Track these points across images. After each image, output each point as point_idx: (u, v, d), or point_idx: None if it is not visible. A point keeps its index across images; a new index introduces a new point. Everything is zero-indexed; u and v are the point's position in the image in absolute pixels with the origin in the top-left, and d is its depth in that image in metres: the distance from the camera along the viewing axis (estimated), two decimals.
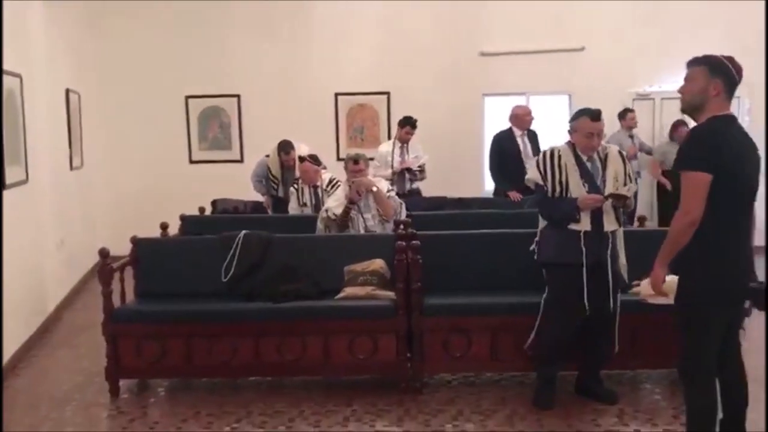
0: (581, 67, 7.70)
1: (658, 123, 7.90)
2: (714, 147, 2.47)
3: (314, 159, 5.62)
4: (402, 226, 4.52)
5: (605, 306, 3.54)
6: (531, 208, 4.77)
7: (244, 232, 4.31)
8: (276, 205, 6.17)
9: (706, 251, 2.51)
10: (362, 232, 4.66)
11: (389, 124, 7.83)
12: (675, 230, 2.54)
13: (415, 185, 6.30)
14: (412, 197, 5.94)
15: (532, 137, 6.39)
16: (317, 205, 5.40)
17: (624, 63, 7.70)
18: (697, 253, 2.52)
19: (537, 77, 7.73)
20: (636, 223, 4.72)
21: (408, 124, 6.29)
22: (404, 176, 6.23)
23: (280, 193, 6.17)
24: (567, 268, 3.54)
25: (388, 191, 4.83)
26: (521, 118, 6.37)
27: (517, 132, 6.35)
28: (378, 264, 4.14)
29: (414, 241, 3.98)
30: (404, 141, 6.33)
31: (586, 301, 3.51)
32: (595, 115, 3.57)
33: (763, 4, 6.66)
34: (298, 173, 5.73)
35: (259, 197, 6.39)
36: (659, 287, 2.61)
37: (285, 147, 6.12)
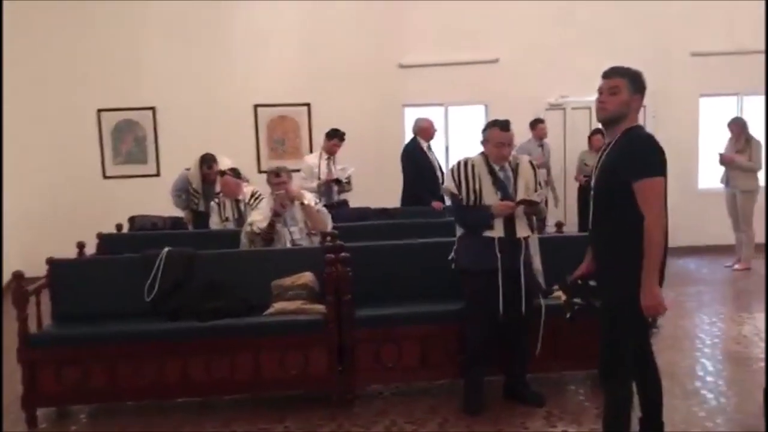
0: (496, 78, 7.95)
1: (571, 131, 8.23)
2: (662, 152, 2.61)
3: (235, 172, 5.58)
4: (329, 238, 4.54)
5: (518, 310, 3.64)
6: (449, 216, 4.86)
7: (166, 249, 4.25)
8: (197, 221, 6.10)
9: (641, 253, 2.57)
10: (288, 245, 4.64)
11: (311, 136, 7.89)
12: (655, 240, 2.53)
13: (342, 196, 6.36)
14: (339, 208, 5.99)
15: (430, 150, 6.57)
16: (240, 220, 5.37)
17: (536, 74, 8.00)
18: (632, 254, 2.59)
19: (454, 88, 7.93)
20: (553, 229, 4.90)
21: (336, 136, 6.34)
22: (331, 188, 6.28)
23: (201, 208, 6.10)
24: (483, 275, 3.63)
25: (316, 204, 4.85)
26: (427, 130, 6.53)
27: (423, 144, 6.52)
28: (307, 277, 4.14)
29: (343, 254, 4.00)
30: (331, 153, 6.39)
31: (501, 306, 3.60)
32: (504, 126, 3.70)
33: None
34: (219, 187, 5.68)
35: (179, 212, 6.33)
36: (661, 307, 2.56)
37: (208, 160, 6.06)
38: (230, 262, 4.30)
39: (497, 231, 3.65)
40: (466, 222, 3.72)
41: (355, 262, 4.00)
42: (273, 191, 4.76)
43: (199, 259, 4.27)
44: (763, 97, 7.49)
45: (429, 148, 6.57)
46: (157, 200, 6.73)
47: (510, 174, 3.73)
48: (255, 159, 7.89)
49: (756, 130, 7.37)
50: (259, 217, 4.76)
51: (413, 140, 6.56)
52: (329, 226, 4.85)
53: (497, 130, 3.69)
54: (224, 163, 6.02)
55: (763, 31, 7.01)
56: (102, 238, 5.19)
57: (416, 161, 6.44)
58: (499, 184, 3.68)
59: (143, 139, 7.80)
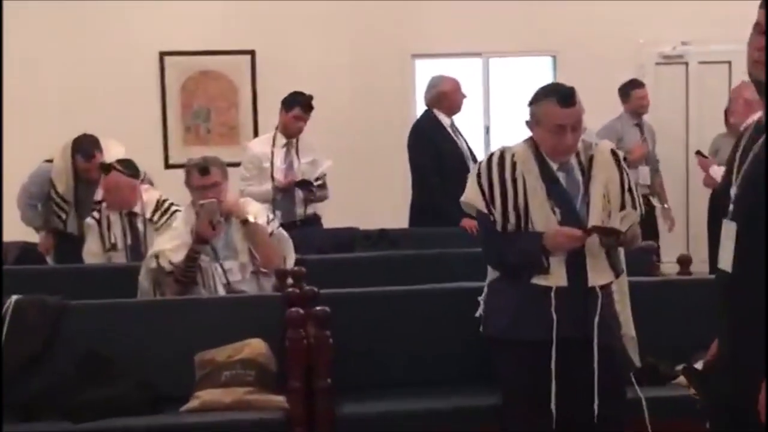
0: (569, 14, 7.96)
1: (696, 101, 8.23)
2: None
3: (129, 167, 5.60)
4: (291, 281, 4.58)
5: (590, 411, 3.54)
6: None
7: (14, 298, 4.19)
8: (63, 248, 6.20)
9: None
10: (221, 291, 4.68)
11: (255, 106, 7.96)
12: None
13: (310, 209, 6.44)
14: (305, 229, 6.16)
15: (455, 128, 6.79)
16: (136, 247, 5.47)
17: (637, 7, 7.99)
18: None
19: (499, 28, 7.95)
20: (674, 268, 4.89)
21: (297, 104, 6.40)
22: (294, 194, 6.34)
23: (70, 227, 6.15)
24: (529, 349, 3.59)
25: (269, 221, 4.93)
26: (450, 96, 6.57)
27: (445, 120, 6.60)
28: (254, 348, 4.07)
29: (318, 308, 3.96)
30: (292, 134, 6.47)
31: (553, 403, 3.54)
32: (565, 97, 3.60)
33: None
34: (102, 192, 5.72)
35: (32, 233, 6.46)
36: None
37: (85, 147, 6.05)
38: (122, 321, 4.27)
39: (555, 276, 3.59)
40: (501, 259, 3.69)
41: (335, 321, 3.97)
42: (195, 200, 4.78)
43: (70, 315, 4.22)
44: None
45: (454, 127, 6.64)
46: None
47: (578, 176, 3.71)
48: (161, 145, 7.99)
49: None
50: (170, 244, 4.77)
51: (428, 114, 6.64)
52: (291, 259, 4.91)
53: (554, 103, 3.61)
54: (112, 151, 6.02)
55: None
56: None
57: (433, 148, 6.44)
58: (557, 194, 3.65)
59: None
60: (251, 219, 4.74)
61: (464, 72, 7.19)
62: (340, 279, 4.64)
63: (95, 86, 7.91)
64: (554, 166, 3.65)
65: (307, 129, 6.49)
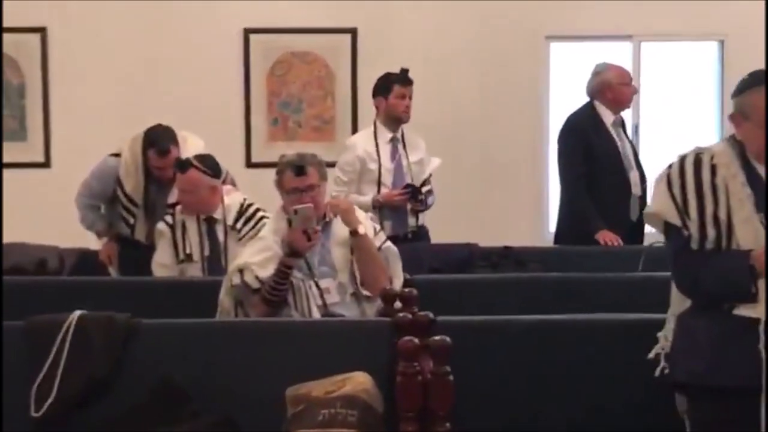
0: None
1: None
2: None
3: (209, 164, 5.65)
4: (401, 304, 4.57)
5: None
6: (648, 269, 5.14)
7: (77, 313, 4.23)
8: (128, 257, 6.28)
9: None
10: (315, 314, 4.72)
11: (355, 96, 7.98)
12: None
13: (419, 220, 6.51)
14: (414, 244, 6.26)
15: (622, 127, 6.84)
16: (215, 259, 5.57)
17: None
18: None
19: (655, 6, 7.96)
20: None
21: (393, 82, 6.48)
22: (405, 202, 6.42)
23: (138, 233, 6.21)
24: (730, 397, 3.52)
25: (376, 233, 5.02)
26: (618, 89, 6.56)
27: (607, 116, 6.59)
28: (358, 383, 4.01)
29: (437, 337, 3.89)
30: (401, 117, 6.54)
31: None
32: None
33: None
34: (176, 194, 5.79)
35: (91, 239, 6.54)
36: None
37: (159, 140, 6.07)
38: (201, 345, 4.30)
39: (765, 306, 3.49)
40: (696, 284, 3.59)
41: (456, 354, 3.90)
42: (287, 205, 4.84)
43: (140, 337, 4.26)
44: None
45: (619, 126, 6.72)
46: (46, 214, 7.02)
47: None
48: (242, 140, 8.06)
49: None
50: (257, 257, 4.82)
51: (587, 107, 6.72)
52: (398, 280, 4.98)
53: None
54: (190, 146, 6.09)
55: None
56: None
57: (584, 146, 6.53)
58: None
59: (18, 91, 8.11)
60: (360, 231, 4.80)
61: (610, 58, 7.10)
62: (455, 304, 4.74)
63: (167, 71, 8.07)
64: (763, 171, 3.58)
65: (413, 124, 6.53)
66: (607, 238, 6.15)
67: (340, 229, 4.93)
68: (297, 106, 8.07)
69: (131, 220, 6.18)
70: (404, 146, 6.55)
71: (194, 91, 7.96)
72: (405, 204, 6.39)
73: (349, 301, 4.82)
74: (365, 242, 4.84)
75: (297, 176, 4.77)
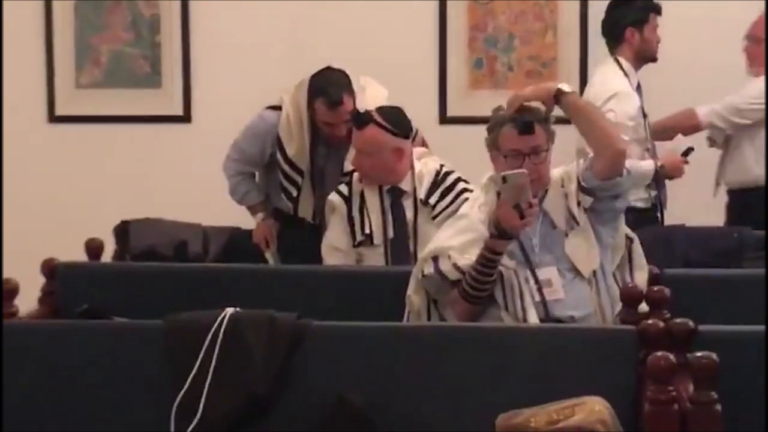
0: None
1: None
2: None
3: (395, 119, 5.70)
4: (646, 307, 4.60)
5: None
6: None
7: (229, 312, 4.31)
8: (291, 239, 6.48)
9: None
10: (532, 317, 4.75)
11: (584, 27, 8.01)
12: None
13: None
14: (662, 228, 6.54)
15: None
16: (401, 242, 5.67)
17: None
18: None
19: None
20: None
21: (655, 9, 6.88)
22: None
23: (303, 209, 6.39)
24: None
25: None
26: None
27: None
28: (592, 410, 3.95)
29: (701, 354, 3.81)
30: (643, 60, 6.88)
31: None
32: None
33: None
34: (352, 158, 5.87)
35: (243, 215, 6.74)
36: None
37: (328, 87, 6.14)
38: (386, 355, 4.35)
39: None
40: None
41: (725, 376, 3.83)
42: (498, 173, 4.82)
43: (310, 343, 4.33)
44: None
45: None
46: (185, 182, 7.29)
47: None
48: (434, 87, 8.09)
49: None
50: (455, 240, 4.90)
51: None
52: (644, 272, 5.06)
53: None
54: (369, 95, 6.17)
55: None
56: (53, 273, 5.41)
57: None
58: None
59: (150, 26, 8.31)
60: (566, 88, 4.87)
61: None
62: (720, 308, 4.73)
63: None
64: None
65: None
66: None
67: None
68: (507, 44, 8.06)
69: (294, 193, 6.26)
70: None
71: (374, 26, 8.02)
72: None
73: (585, 296, 4.80)
74: (576, 101, 4.92)
75: (521, 134, 4.77)
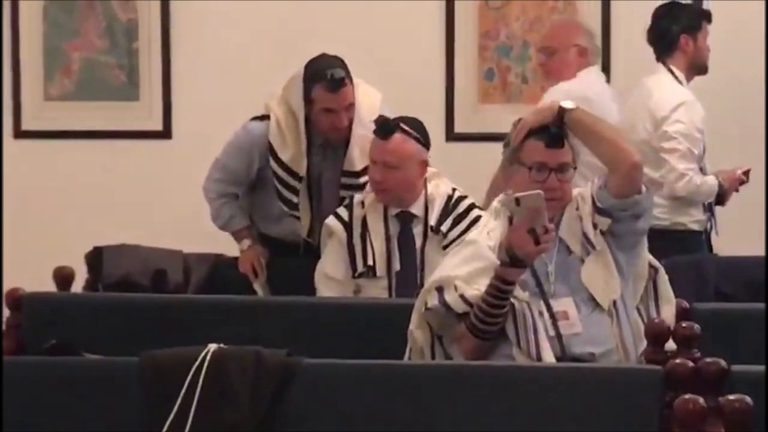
0: None
1: None
2: None
3: (418, 129, 5.83)
4: (674, 345, 4.57)
5: None
6: None
7: (212, 348, 4.30)
8: (279, 265, 6.51)
9: None
10: (547, 354, 4.73)
11: (607, 33, 8.06)
12: None
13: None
14: (693, 256, 6.43)
15: None
16: (408, 275, 5.74)
17: None
18: None
19: None
20: None
21: (708, 17, 7.04)
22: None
23: (302, 229, 6.36)
24: None
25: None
26: None
27: None
28: None
29: (731, 396, 3.79)
30: (695, 71, 6.96)
31: None
32: None
33: None
34: (369, 175, 5.94)
35: (226, 240, 6.75)
36: None
37: (329, 70, 6.21)
38: (384, 397, 4.33)
39: None
40: None
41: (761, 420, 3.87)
42: (517, 188, 4.79)
43: (301, 382, 4.30)
44: None
45: None
46: (164, 205, 7.38)
47: None
48: (441, 101, 8.11)
49: None
50: (462, 269, 4.88)
51: None
52: (671, 306, 5.01)
53: None
54: (364, 95, 6.29)
55: None
56: (19, 305, 5.40)
57: None
58: None
59: (127, 33, 8.36)
60: (568, 104, 4.83)
61: None
62: (755, 346, 4.71)
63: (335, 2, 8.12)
64: None
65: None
66: None
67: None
68: (521, 53, 8.08)
69: (295, 199, 6.27)
70: None
71: (373, 33, 8.03)
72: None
73: (598, 319, 4.80)
74: (581, 117, 4.86)
75: (549, 147, 4.79)
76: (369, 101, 6.14)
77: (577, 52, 6.92)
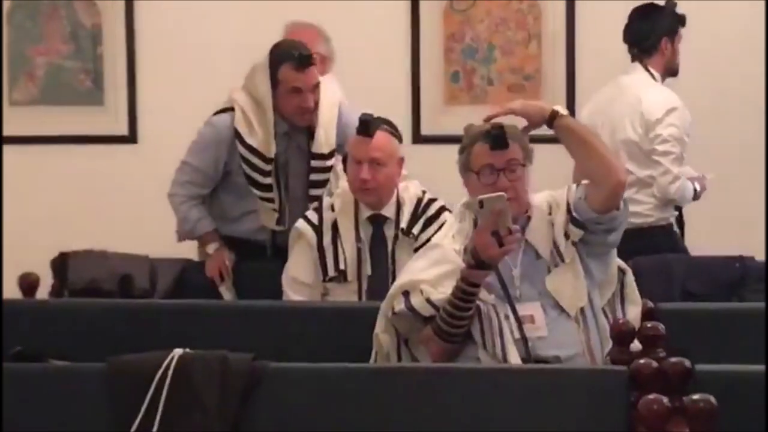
0: None
1: None
2: None
3: (395, 127, 5.82)
4: (638, 344, 4.59)
5: None
6: None
7: (177, 353, 4.30)
8: (246, 269, 6.50)
9: None
10: (512, 356, 4.70)
11: (571, 38, 8.06)
12: None
13: None
14: (662, 256, 6.42)
15: None
16: (379, 280, 5.69)
17: None
18: None
19: None
20: None
21: (683, 22, 6.97)
22: None
23: (266, 219, 6.38)
24: None
25: None
26: None
27: None
28: None
29: (695, 396, 3.82)
30: (668, 75, 6.91)
31: None
32: None
33: None
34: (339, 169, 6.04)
35: (193, 245, 6.76)
36: None
37: (296, 49, 6.26)
38: (350, 400, 4.33)
39: None
40: None
41: (725, 419, 3.85)
42: (474, 193, 4.84)
43: (268, 386, 4.30)
44: None
45: None
46: (130, 209, 7.39)
47: None
48: (407, 104, 8.13)
49: None
50: (428, 273, 4.88)
51: None
52: (636, 306, 5.00)
53: None
54: (327, 90, 6.35)
55: None
56: None
57: None
58: None
59: (92, 38, 8.32)
60: (562, 110, 4.81)
61: None
62: (719, 345, 4.73)
63: (301, 6, 8.06)
64: None
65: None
66: None
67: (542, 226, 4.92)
68: (486, 55, 8.08)
69: (268, 181, 6.27)
70: None
71: (338, 34, 7.77)
72: None
73: (564, 324, 4.77)
74: (572, 125, 4.88)
75: (493, 149, 4.76)
76: (332, 99, 6.25)
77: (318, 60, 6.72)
